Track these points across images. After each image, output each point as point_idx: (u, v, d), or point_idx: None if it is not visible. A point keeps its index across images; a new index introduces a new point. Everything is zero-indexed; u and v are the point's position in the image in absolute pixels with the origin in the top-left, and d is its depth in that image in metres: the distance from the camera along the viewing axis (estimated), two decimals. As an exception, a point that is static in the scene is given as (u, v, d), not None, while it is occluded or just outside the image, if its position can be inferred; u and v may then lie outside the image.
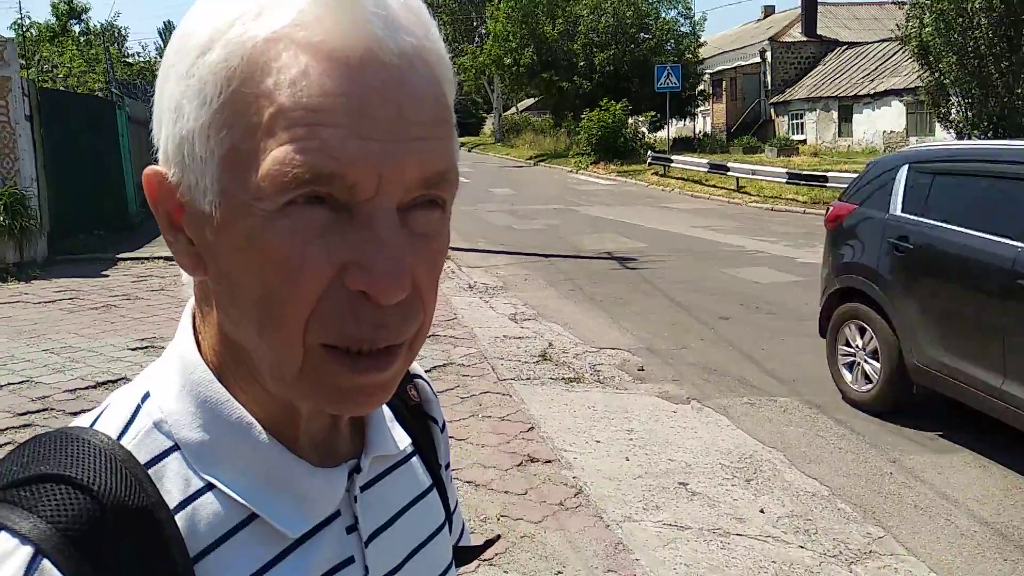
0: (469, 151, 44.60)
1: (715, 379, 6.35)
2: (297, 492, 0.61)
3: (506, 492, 4.31)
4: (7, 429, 5.09)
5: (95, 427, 0.60)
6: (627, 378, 6.35)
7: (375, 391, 0.57)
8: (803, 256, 11.89)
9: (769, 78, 37.52)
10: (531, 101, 53.10)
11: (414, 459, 0.76)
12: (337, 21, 0.52)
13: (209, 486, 0.59)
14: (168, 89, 0.56)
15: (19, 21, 22.74)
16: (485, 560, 3.61)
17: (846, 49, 35.96)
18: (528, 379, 6.26)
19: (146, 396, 0.62)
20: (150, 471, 0.58)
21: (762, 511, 4.17)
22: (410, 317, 0.56)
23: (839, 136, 33.24)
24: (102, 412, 0.62)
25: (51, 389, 5.87)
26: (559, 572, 3.57)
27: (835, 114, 33.47)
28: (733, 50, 40.21)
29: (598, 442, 5.05)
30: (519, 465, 4.64)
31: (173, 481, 0.58)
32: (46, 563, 0.51)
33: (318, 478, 0.62)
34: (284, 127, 0.51)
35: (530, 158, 35.85)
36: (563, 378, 6.30)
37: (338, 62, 0.51)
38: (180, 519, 0.57)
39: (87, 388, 5.88)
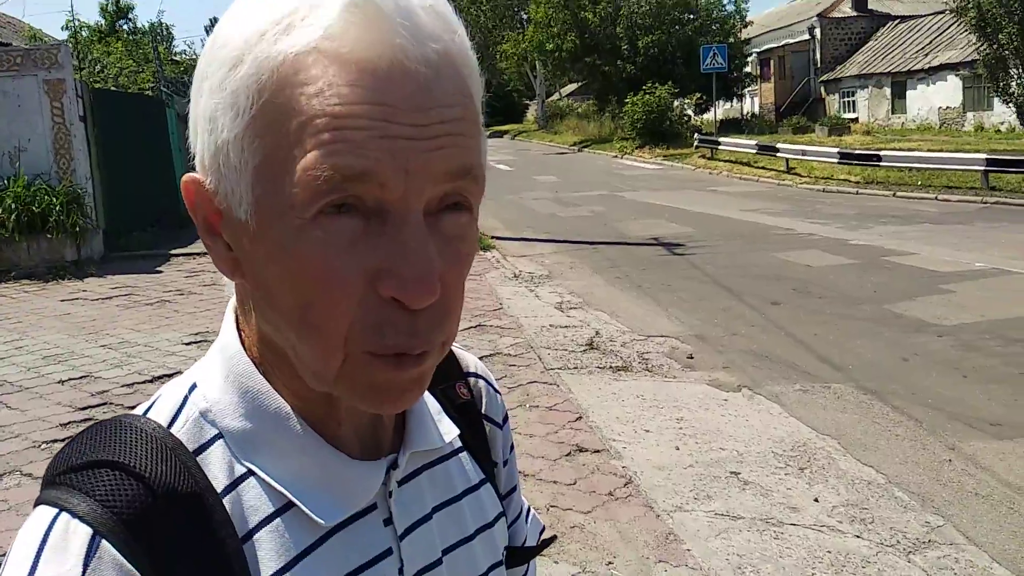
0: (512, 139, 44.52)
1: (767, 366, 6.25)
2: (332, 483, 0.63)
3: (555, 482, 4.30)
4: (69, 423, 5.24)
5: (147, 416, 0.63)
6: (676, 366, 6.28)
7: (409, 387, 0.59)
8: (856, 238, 11.63)
9: (819, 55, 36.69)
10: (574, 86, 52.75)
11: (462, 454, 0.76)
12: (363, 32, 0.53)
13: (250, 472, 0.62)
14: (202, 101, 0.58)
15: (70, 23, 23.35)
16: (535, 551, 3.61)
17: (899, 23, 34.96)
18: (575, 368, 6.24)
19: (193, 387, 0.65)
20: (198, 458, 0.60)
21: (816, 500, 4.09)
22: (439, 323, 0.57)
23: (892, 113, 32.39)
24: (154, 402, 0.65)
25: (110, 384, 6.03)
26: (610, 562, 3.55)
27: (888, 91, 32.61)
28: (781, 28, 39.39)
29: (647, 431, 5.00)
30: (567, 455, 4.63)
31: (218, 467, 0.61)
32: (104, 543, 0.54)
33: (354, 470, 0.64)
34: (313, 134, 0.52)
35: (574, 144, 35.63)
36: (611, 367, 6.26)
37: (364, 72, 0.52)
38: (226, 503, 0.60)
39: (144, 382, 6.02)
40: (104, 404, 5.59)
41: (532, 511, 0.90)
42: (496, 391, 0.85)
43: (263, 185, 0.55)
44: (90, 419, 5.30)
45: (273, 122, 0.54)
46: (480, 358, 4.53)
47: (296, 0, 0.55)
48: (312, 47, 0.53)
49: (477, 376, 0.83)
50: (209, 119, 0.57)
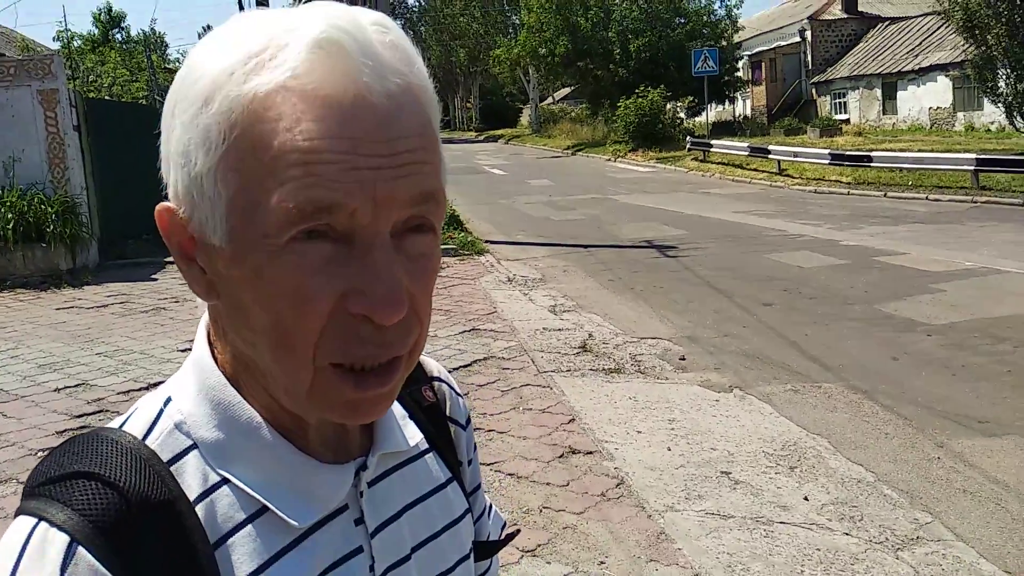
0: (506, 143, 44.58)
1: (758, 367, 6.30)
2: (304, 487, 0.67)
3: (548, 484, 4.34)
4: (65, 431, 5.26)
5: (123, 428, 0.66)
6: (668, 368, 6.33)
7: (379, 401, 0.63)
8: (847, 239, 11.69)
9: (810, 57, 36.79)
10: (567, 90, 52.84)
11: (429, 455, 0.80)
12: (329, 70, 0.57)
13: (224, 480, 0.65)
14: (175, 135, 0.61)
15: (62, 33, 23.38)
16: (528, 551, 3.65)
17: (888, 25, 35.09)
18: (568, 371, 6.28)
19: (168, 400, 0.68)
20: (172, 468, 0.64)
21: (806, 499, 4.14)
22: (407, 332, 0.62)
23: (883, 114, 32.51)
24: (130, 415, 0.68)
25: (105, 391, 6.05)
26: (602, 562, 3.59)
27: (879, 92, 32.73)
28: (772, 30, 39.49)
29: (639, 432, 5.05)
30: (560, 457, 4.67)
31: (192, 476, 0.64)
32: (80, 550, 0.57)
33: (324, 474, 0.68)
34: (284, 168, 0.56)
35: (567, 148, 35.70)
36: (603, 369, 6.31)
37: (331, 107, 0.56)
38: (199, 510, 0.63)
39: (140, 389, 6.04)
40: (100, 412, 5.62)
41: (494, 508, 0.94)
42: (459, 395, 0.89)
43: (237, 214, 0.58)
44: (86, 426, 5.33)
45: (246, 156, 0.57)
46: (474, 362, 4.59)
47: (264, 39, 0.58)
48: (280, 85, 0.57)
49: (441, 380, 0.87)
50: (182, 153, 0.60)
